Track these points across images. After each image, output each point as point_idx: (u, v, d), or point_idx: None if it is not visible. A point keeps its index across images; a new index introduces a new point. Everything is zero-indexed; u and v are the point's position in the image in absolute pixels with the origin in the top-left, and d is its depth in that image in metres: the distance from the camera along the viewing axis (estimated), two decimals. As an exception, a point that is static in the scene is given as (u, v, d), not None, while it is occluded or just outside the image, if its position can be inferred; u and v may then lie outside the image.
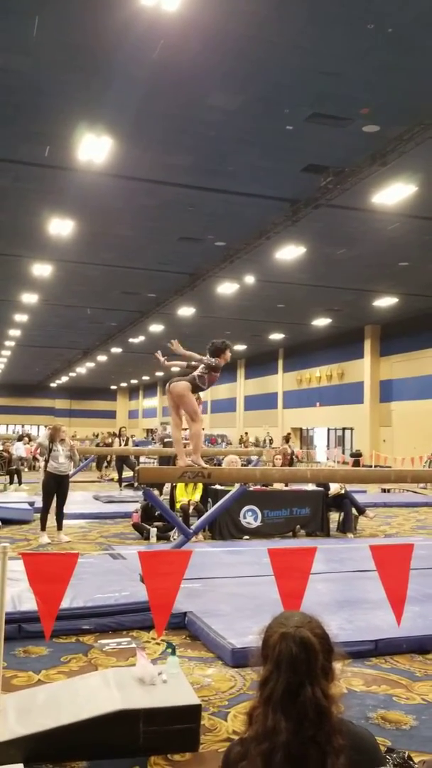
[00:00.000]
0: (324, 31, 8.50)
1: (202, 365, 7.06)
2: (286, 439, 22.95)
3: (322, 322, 28.27)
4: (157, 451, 19.74)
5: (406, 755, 1.98)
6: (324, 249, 17.72)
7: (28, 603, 5.14)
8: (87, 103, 10.25)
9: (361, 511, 11.72)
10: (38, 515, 10.46)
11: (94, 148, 11.52)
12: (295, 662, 1.68)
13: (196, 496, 10.90)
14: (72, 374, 52.17)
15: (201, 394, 7.45)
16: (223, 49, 8.86)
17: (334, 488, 11.32)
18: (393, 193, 13.43)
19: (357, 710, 4.06)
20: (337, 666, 1.86)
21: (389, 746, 3.00)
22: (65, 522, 10.39)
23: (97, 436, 37.08)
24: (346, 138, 11.36)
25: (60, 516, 10.14)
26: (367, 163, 12.15)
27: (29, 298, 24.42)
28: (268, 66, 9.27)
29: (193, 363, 7.26)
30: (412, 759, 2.00)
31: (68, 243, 17.16)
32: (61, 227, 15.90)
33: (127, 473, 18.35)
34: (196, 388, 7.00)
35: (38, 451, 15.56)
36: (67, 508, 10.54)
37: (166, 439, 24.98)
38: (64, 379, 56.26)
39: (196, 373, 7.02)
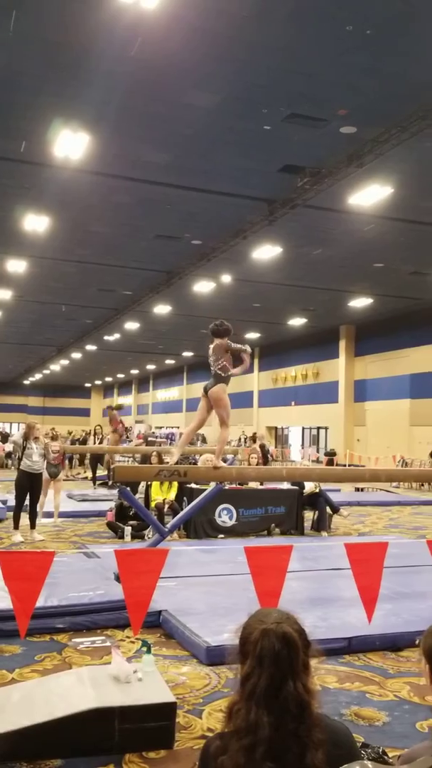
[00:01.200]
0: (303, 32, 8.53)
1: (215, 359, 7.05)
2: (253, 439, 22.91)
3: (297, 321, 28.39)
4: (132, 450, 19.70)
5: (381, 750, 2.01)
6: (300, 249, 17.79)
7: (1, 601, 5.11)
8: (64, 98, 10.18)
9: (336, 509, 11.82)
10: (11, 513, 10.39)
11: (70, 144, 11.43)
12: (278, 657, 1.69)
13: (172, 495, 10.90)
14: (46, 371, 51.81)
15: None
16: (201, 48, 8.85)
17: (309, 487, 11.38)
18: (369, 195, 13.51)
19: (331, 707, 4.10)
20: (312, 662, 1.88)
21: (363, 742, 3.03)
22: (37, 520, 10.34)
23: (70, 433, 36.89)
24: (324, 139, 11.41)
25: (33, 514, 10.08)
26: (343, 164, 12.21)
27: (3, 294, 24.18)
28: (247, 66, 9.28)
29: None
30: (386, 754, 2.03)
31: (44, 239, 17.03)
32: (36, 223, 15.77)
33: (102, 471, 18.30)
34: (225, 380, 7.07)
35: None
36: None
37: (149, 438, 24.94)
38: (37, 376, 55.83)
39: (216, 369, 7.04)
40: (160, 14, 8.10)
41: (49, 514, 11.78)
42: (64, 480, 14.06)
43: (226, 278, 21.09)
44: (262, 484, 11.41)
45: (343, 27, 8.36)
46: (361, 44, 8.72)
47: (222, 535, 10.44)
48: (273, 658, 1.70)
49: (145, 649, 4.20)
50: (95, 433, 22.04)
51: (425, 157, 11.97)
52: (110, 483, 15.61)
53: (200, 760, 1.83)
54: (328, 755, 1.68)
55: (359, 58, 9.05)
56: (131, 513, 10.17)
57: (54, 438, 13.75)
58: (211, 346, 7.17)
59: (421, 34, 8.51)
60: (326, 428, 32.16)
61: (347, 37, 8.56)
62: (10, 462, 22.45)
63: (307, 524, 11.60)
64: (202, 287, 22.16)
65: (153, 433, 36.49)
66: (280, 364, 35.91)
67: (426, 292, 22.68)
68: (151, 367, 50.61)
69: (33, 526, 10.05)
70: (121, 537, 10.04)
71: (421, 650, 2.07)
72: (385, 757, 1.98)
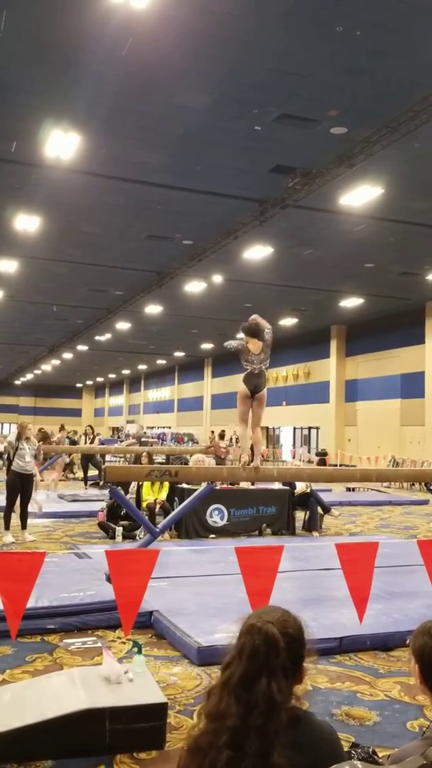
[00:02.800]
0: (293, 33, 8.55)
1: (264, 357, 7.33)
2: (221, 435, 22.88)
3: (288, 321, 28.42)
4: (123, 450, 19.70)
5: (371, 750, 2.02)
6: (291, 249, 17.82)
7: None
8: (55, 99, 10.16)
9: (327, 509, 11.84)
10: (1, 514, 10.35)
11: (61, 144, 11.41)
12: (255, 654, 1.74)
13: (163, 495, 10.90)
14: (37, 372, 51.70)
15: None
16: (192, 49, 8.86)
17: (300, 487, 11.40)
18: (360, 195, 13.55)
19: (321, 707, 4.11)
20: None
21: (354, 741, 3.04)
22: (29, 521, 10.31)
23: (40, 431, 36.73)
24: (314, 139, 11.43)
25: (24, 515, 10.05)
26: (334, 165, 12.25)
27: (-6, 294, 24.14)
28: (238, 66, 9.29)
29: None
30: (376, 753, 2.04)
31: (35, 239, 16.99)
32: (27, 223, 15.73)
33: (93, 472, 18.28)
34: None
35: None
36: (32, 507, 10.45)
37: (143, 438, 24.93)
38: (28, 376, 55.71)
39: (264, 369, 7.32)
40: (150, 14, 8.10)
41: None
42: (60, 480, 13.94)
43: (218, 278, 21.10)
44: (253, 484, 11.42)
45: (333, 28, 8.39)
46: (351, 45, 8.75)
47: (213, 536, 10.44)
48: (250, 653, 1.75)
49: (136, 649, 4.20)
50: (86, 434, 22.00)
51: (415, 158, 12.02)
52: (101, 483, 15.61)
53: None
54: (313, 755, 1.69)
55: (350, 59, 9.08)
56: (122, 513, 10.16)
57: (45, 438, 13.64)
58: (258, 346, 7.21)
59: (411, 35, 8.55)
60: (317, 428, 32.21)
61: (338, 38, 8.59)
62: (1, 463, 22.36)
63: (299, 524, 11.62)
64: (194, 287, 22.16)
65: (145, 433, 36.49)
66: (271, 364, 35.33)
67: (416, 293, 22.76)
68: (142, 367, 50.58)
69: (24, 526, 10.02)
70: (113, 537, 10.03)
71: (411, 650, 2.08)
72: (375, 757, 1.99)
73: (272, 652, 1.75)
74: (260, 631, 1.77)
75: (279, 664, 1.76)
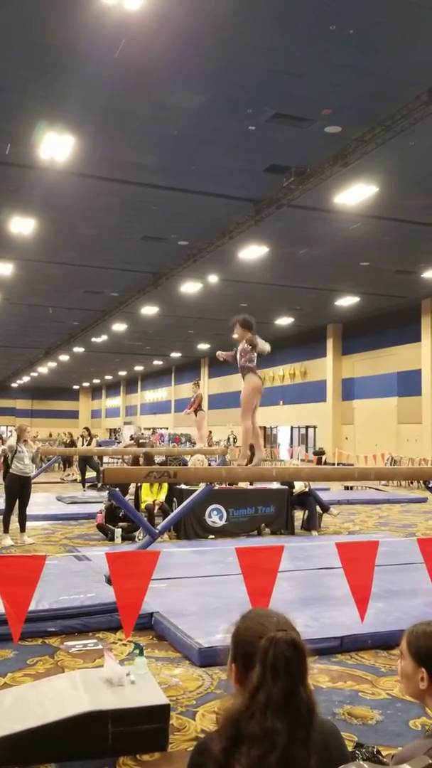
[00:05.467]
0: (287, 32, 8.55)
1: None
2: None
3: (285, 321, 28.42)
4: (121, 452, 19.68)
5: (375, 749, 2.02)
6: (286, 249, 17.82)
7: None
8: (49, 100, 10.15)
9: (325, 508, 11.84)
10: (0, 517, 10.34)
11: (56, 146, 11.40)
12: (290, 666, 1.69)
13: (162, 496, 10.89)
14: (33, 374, 51.62)
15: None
16: (185, 49, 8.86)
17: (299, 486, 11.40)
18: (354, 194, 13.55)
19: (323, 706, 4.11)
20: None
21: (358, 741, 3.04)
22: (28, 524, 10.30)
23: (52, 436, 36.79)
24: (308, 138, 11.44)
25: (23, 518, 10.04)
26: (328, 164, 12.25)
27: (-10, 297, 24.10)
28: (231, 66, 9.29)
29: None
30: (381, 753, 2.04)
31: (30, 242, 16.97)
32: (22, 226, 15.71)
33: (91, 474, 18.25)
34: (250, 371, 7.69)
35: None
36: (30, 510, 10.44)
37: (141, 440, 24.89)
38: (25, 379, 55.63)
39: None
40: (143, 15, 8.10)
41: None
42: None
43: (213, 279, 21.10)
44: (251, 483, 11.42)
45: (326, 27, 8.39)
46: (344, 44, 8.76)
47: (212, 536, 10.44)
48: (286, 667, 1.70)
49: (137, 651, 4.20)
50: (83, 436, 21.99)
51: (409, 156, 12.03)
52: (100, 485, 15.58)
53: (195, 759, 1.81)
54: (322, 753, 1.69)
55: (343, 58, 9.09)
56: (121, 515, 10.15)
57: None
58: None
59: (404, 34, 8.56)
60: (315, 427, 32.22)
61: (331, 36, 8.59)
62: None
63: (297, 523, 11.62)
64: (189, 288, 22.15)
65: (143, 434, 36.48)
66: (267, 364, 35.90)
67: (412, 290, 22.78)
68: (139, 368, 50.54)
69: (23, 529, 10.01)
70: (112, 539, 10.02)
71: (408, 652, 2.06)
72: (380, 757, 1.99)
73: (302, 659, 1.74)
74: (286, 641, 1.73)
75: (307, 668, 1.75)
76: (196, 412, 14.10)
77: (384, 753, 2.15)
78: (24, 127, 10.96)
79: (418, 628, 2.12)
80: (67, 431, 36.74)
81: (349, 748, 1.93)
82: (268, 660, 1.71)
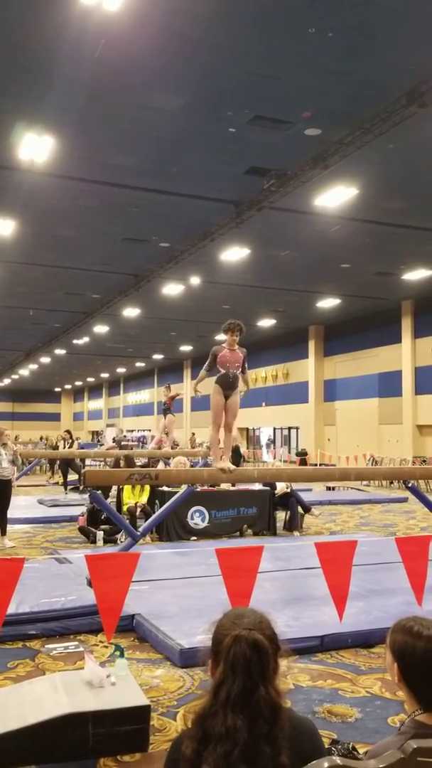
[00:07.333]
0: (266, 35, 8.58)
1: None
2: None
3: (267, 322, 28.51)
4: (103, 454, 19.63)
5: (350, 746, 2.04)
6: (268, 250, 17.87)
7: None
8: (27, 101, 10.11)
9: (307, 509, 11.89)
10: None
11: (35, 147, 11.35)
12: (249, 664, 1.73)
13: (143, 498, 10.88)
14: (14, 376, 51.35)
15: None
16: (165, 51, 8.86)
17: (281, 487, 11.44)
18: (334, 196, 13.63)
19: (303, 705, 4.13)
20: (283, 663, 1.91)
21: (334, 738, 3.06)
22: (9, 527, 10.24)
23: (41, 439, 36.63)
24: (289, 141, 11.49)
25: (3, 521, 9.98)
26: (309, 166, 12.31)
27: (-31, 299, 23.95)
28: (211, 68, 9.31)
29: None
30: (356, 749, 2.06)
31: (9, 243, 16.89)
32: (1, 227, 15.63)
33: (73, 476, 18.19)
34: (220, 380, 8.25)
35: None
36: (11, 513, 10.38)
37: (123, 442, 24.82)
38: (5, 381, 55.31)
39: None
40: (123, 16, 8.09)
41: None
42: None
43: (195, 280, 21.11)
44: (233, 485, 11.44)
45: (305, 30, 8.43)
46: (324, 47, 8.80)
47: (194, 538, 10.44)
48: (244, 665, 1.74)
49: (118, 653, 4.19)
50: (63, 439, 21.91)
51: (389, 159, 12.12)
52: (81, 488, 15.53)
53: (170, 758, 1.84)
54: (295, 749, 1.71)
55: (322, 61, 9.14)
56: (103, 517, 10.13)
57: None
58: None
59: (383, 37, 8.62)
60: (297, 428, 32.33)
61: (310, 39, 8.63)
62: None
63: (280, 524, 11.66)
64: (171, 290, 22.15)
65: (125, 436, 36.40)
66: (250, 365, 35.12)
67: (392, 292, 22.94)
68: (121, 370, 50.41)
69: (3, 532, 9.95)
70: (93, 542, 9.99)
71: (389, 647, 2.10)
72: (355, 753, 2.01)
73: (264, 659, 1.76)
74: (247, 641, 1.77)
75: (270, 668, 1.77)
76: (165, 414, 14.13)
77: (361, 750, 2.17)
78: (3, 128, 10.91)
79: (400, 623, 2.15)
80: (59, 434, 36.69)
81: (326, 746, 1.95)
82: (229, 658, 1.75)
